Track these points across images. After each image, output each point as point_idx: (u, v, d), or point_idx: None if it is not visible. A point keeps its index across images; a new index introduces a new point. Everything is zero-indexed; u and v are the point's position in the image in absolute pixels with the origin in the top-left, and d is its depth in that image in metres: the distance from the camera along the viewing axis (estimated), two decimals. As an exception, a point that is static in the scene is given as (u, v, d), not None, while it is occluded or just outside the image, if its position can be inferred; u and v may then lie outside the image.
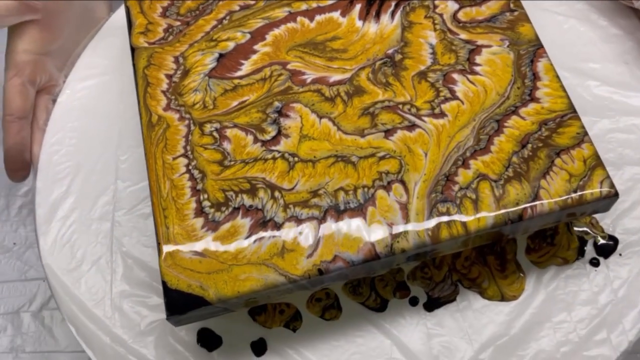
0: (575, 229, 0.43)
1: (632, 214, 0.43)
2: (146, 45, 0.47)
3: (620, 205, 0.43)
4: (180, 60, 0.46)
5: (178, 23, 0.47)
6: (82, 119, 0.52)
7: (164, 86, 0.45)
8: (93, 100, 0.52)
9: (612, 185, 0.37)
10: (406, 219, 0.38)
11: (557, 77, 0.41)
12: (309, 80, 0.44)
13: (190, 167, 0.42)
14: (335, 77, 0.44)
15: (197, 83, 0.45)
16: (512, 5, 0.44)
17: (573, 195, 0.37)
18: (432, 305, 0.42)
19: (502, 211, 0.37)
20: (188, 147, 0.42)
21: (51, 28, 0.52)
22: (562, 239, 0.43)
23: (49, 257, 0.47)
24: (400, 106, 0.42)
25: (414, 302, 0.42)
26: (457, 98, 0.42)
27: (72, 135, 0.51)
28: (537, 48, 0.42)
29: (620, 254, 0.42)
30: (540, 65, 0.42)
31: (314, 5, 0.46)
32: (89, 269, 0.46)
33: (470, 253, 0.43)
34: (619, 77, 0.47)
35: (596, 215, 0.43)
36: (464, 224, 0.37)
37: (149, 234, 0.46)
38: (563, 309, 0.41)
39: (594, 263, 0.42)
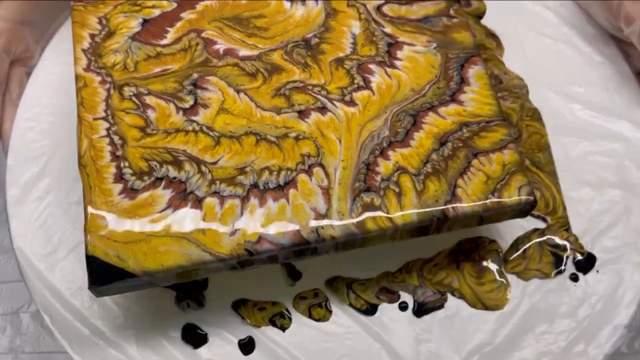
0: (558, 241, 0.44)
1: (609, 233, 0.45)
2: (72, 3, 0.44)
3: (599, 225, 0.45)
4: (104, 21, 0.44)
5: None
6: (60, 96, 0.48)
7: (86, 45, 0.43)
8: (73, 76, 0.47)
9: (531, 193, 0.39)
10: (328, 204, 0.38)
11: (490, 85, 0.42)
12: (221, 50, 0.43)
13: (110, 132, 0.40)
14: (245, 52, 0.43)
15: (119, 44, 0.43)
16: (452, 12, 0.45)
17: (492, 198, 0.39)
18: (420, 311, 0.42)
19: (427, 209, 0.38)
20: (108, 112, 0.40)
21: None
22: (533, 252, 0.44)
23: (21, 240, 0.44)
24: (311, 87, 0.42)
25: (403, 307, 0.42)
26: (369, 88, 0.42)
27: (49, 112, 0.47)
28: (471, 55, 0.43)
29: (597, 271, 0.44)
30: (472, 72, 0.42)
31: None
32: (66, 256, 0.43)
33: (442, 260, 0.44)
34: (601, 102, 0.49)
35: (576, 233, 0.44)
36: (389, 218, 0.38)
37: None
38: (545, 321, 0.42)
39: (574, 278, 0.44)
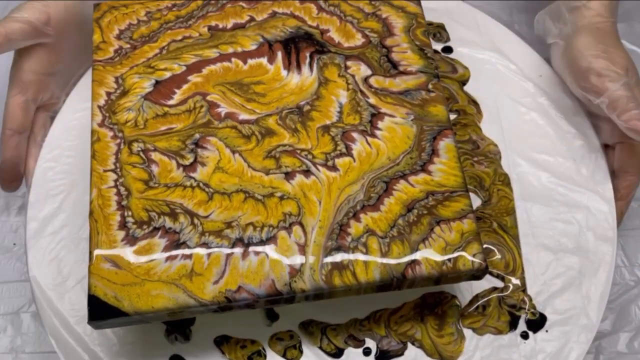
0: (511, 302, 0.48)
1: (561, 296, 0.48)
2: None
3: (553, 287, 0.48)
4: (120, 81, 0.49)
5: (128, 46, 0.50)
6: (79, 139, 0.53)
7: (102, 102, 0.48)
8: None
9: (483, 260, 0.43)
10: (303, 260, 0.43)
11: (458, 158, 0.46)
12: (223, 114, 0.48)
13: (117, 184, 0.45)
14: (244, 116, 0.48)
15: (132, 103, 0.48)
16: (430, 86, 0.49)
17: (447, 263, 0.43)
18: (383, 358, 0.47)
19: (388, 269, 0.42)
20: (118, 165, 0.46)
21: (59, 50, 0.54)
22: (493, 311, 0.48)
23: (36, 269, 0.49)
24: (299, 151, 0.47)
25: (367, 352, 0.47)
26: (350, 155, 0.46)
27: (69, 154, 0.53)
28: (443, 128, 0.47)
29: (546, 331, 0.47)
30: (442, 144, 0.46)
31: (239, 49, 0.50)
32: (74, 286, 0.49)
33: (407, 312, 0.48)
34: (567, 171, 0.52)
35: (531, 293, 0.48)
36: (354, 274, 0.42)
37: None
38: None
39: (524, 336, 0.47)
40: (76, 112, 0.55)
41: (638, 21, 0.63)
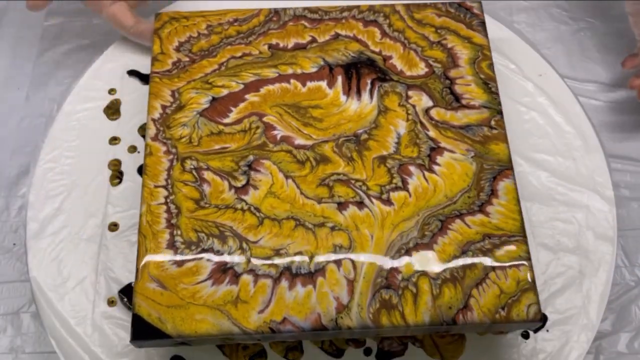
0: None
1: (562, 295, 0.47)
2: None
3: (553, 287, 0.48)
4: (176, 95, 0.49)
5: (187, 59, 0.49)
6: (80, 139, 0.53)
7: (156, 115, 0.48)
8: (92, 122, 0.53)
9: (538, 311, 0.41)
10: (351, 296, 0.41)
11: (518, 201, 0.44)
12: (278, 137, 0.46)
13: (168, 201, 0.44)
14: (300, 140, 0.47)
15: (188, 119, 0.47)
16: (493, 123, 0.47)
17: (501, 312, 0.41)
18: (382, 357, 0.46)
19: (438, 312, 0.41)
20: (169, 181, 0.45)
21: None
22: None
23: (36, 271, 0.49)
24: (353, 181, 0.45)
25: (367, 352, 0.46)
26: (406, 189, 0.45)
27: (69, 154, 0.52)
28: (504, 168, 0.45)
29: (547, 330, 0.47)
30: (502, 185, 0.45)
31: (299, 70, 0.49)
32: (74, 287, 0.48)
33: None
34: (566, 171, 0.52)
35: None
36: (403, 315, 0.41)
37: (133, 260, 0.48)
38: None
39: (525, 335, 0.47)
40: (77, 112, 0.54)
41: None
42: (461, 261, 0.42)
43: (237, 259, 0.42)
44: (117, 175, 0.51)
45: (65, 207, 0.50)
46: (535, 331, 0.46)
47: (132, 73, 0.55)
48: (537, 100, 0.54)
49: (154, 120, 0.47)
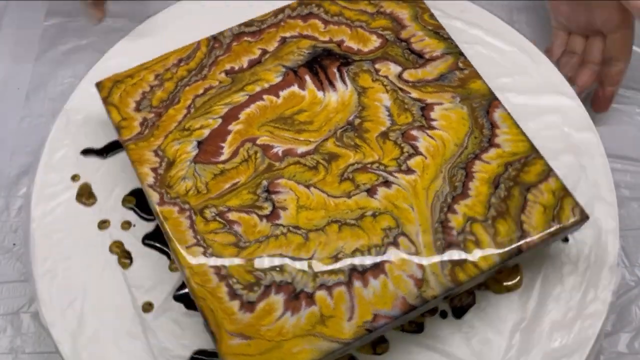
0: None
1: (575, 192, 0.47)
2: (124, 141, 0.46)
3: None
4: (160, 153, 0.46)
5: (152, 115, 0.47)
6: (67, 238, 0.49)
7: (151, 180, 0.45)
8: (71, 217, 0.49)
9: (582, 210, 0.44)
10: (422, 268, 0.42)
11: (516, 124, 0.47)
12: (280, 153, 0.46)
13: (207, 255, 0.43)
14: (301, 148, 0.46)
15: (184, 171, 0.45)
16: (461, 65, 0.49)
17: (553, 224, 0.43)
18: (459, 313, 0.46)
19: (503, 249, 0.42)
20: (198, 237, 0.43)
21: None
22: None
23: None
24: (369, 166, 0.46)
25: (444, 315, 0.46)
26: (420, 154, 0.46)
27: (62, 261, 0.48)
28: (491, 100, 0.48)
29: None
30: (497, 115, 0.47)
31: (266, 85, 0.48)
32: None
33: None
34: (527, 85, 0.54)
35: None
36: (475, 264, 0.42)
37: (185, 332, 0.45)
38: (556, 283, 0.47)
39: (565, 240, 0.48)
40: (49, 213, 0.50)
41: (638, 21, 0.64)
42: (498, 195, 0.44)
43: (302, 280, 0.42)
44: (125, 256, 0.48)
45: (87, 311, 0.46)
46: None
47: (87, 152, 0.51)
48: (471, 33, 0.56)
49: (151, 186, 0.44)
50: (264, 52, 0.49)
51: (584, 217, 0.44)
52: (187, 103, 0.47)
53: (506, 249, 0.42)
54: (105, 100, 0.48)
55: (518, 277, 0.48)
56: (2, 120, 0.62)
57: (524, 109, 0.52)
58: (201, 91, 0.48)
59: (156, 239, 0.48)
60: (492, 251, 0.42)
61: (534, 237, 0.43)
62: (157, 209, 0.44)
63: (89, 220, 0.49)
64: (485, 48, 0.56)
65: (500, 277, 0.47)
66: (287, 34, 0.50)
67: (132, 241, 0.48)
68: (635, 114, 0.62)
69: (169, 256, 0.48)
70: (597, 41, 0.59)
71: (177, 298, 0.46)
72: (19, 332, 0.52)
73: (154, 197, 0.44)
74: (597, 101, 0.60)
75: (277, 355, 0.40)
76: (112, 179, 0.50)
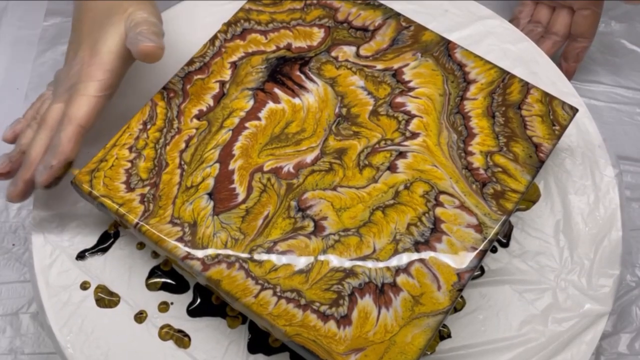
0: None
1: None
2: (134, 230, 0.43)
3: None
4: (177, 221, 0.43)
5: (148, 188, 0.44)
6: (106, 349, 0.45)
7: (182, 253, 0.42)
8: (98, 323, 0.45)
9: (571, 106, 0.47)
10: (472, 214, 0.43)
11: (478, 56, 0.48)
12: (292, 169, 0.45)
13: (280, 295, 0.41)
14: (309, 157, 0.45)
15: (210, 228, 0.43)
16: (404, 23, 0.50)
17: (557, 128, 0.46)
18: (505, 242, 0.48)
19: (528, 166, 0.44)
20: (260, 280, 0.41)
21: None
22: None
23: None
24: (377, 146, 0.46)
25: (494, 250, 0.48)
26: (415, 116, 0.47)
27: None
28: (447, 44, 0.49)
29: None
30: (459, 55, 0.48)
31: (242, 113, 0.46)
32: None
33: None
34: (455, 20, 0.55)
35: None
36: (513, 190, 0.43)
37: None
38: (567, 179, 0.50)
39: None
40: (69, 333, 0.45)
41: (638, 21, 0.65)
42: (498, 123, 0.46)
43: (379, 274, 0.41)
44: (181, 336, 0.44)
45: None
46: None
47: (82, 256, 0.46)
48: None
49: (186, 257, 0.42)
50: (222, 83, 0.47)
51: (574, 111, 0.47)
52: (177, 162, 0.45)
53: (530, 165, 0.45)
54: (91, 195, 0.44)
55: (536, 190, 0.50)
56: (1, 121, 0.59)
57: (462, 43, 0.54)
58: (183, 145, 0.45)
59: (204, 308, 0.46)
60: (520, 172, 0.44)
61: (547, 145, 0.45)
62: (205, 275, 0.41)
63: (124, 320, 0.45)
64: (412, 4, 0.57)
65: (522, 195, 0.50)
66: (234, 58, 0.48)
67: (179, 317, 0.45)
68: (635, 114, 0.62)
69: (223, 315, 0.45)
70: (563, 14, 0.60)
71: (252, 349, 0.45)
72: (18, 333, 0.52)
73: (195, 265, 0.41)
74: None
75: (396, 351, 0.39)
76: (123, 269, 0.46)
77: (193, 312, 0.45)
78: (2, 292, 0.53)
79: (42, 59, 0.64)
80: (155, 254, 0.47)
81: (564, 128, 0.46)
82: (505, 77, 0.48)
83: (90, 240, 0.48)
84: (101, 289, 0.46)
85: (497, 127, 0.46)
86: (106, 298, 0.46)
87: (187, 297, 0.46)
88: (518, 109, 0.46)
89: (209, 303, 0.46)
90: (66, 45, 0.58)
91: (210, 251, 0.42)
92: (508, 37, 0.55)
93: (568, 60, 0.61)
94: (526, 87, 0.47)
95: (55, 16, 0.67)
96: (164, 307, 0.45)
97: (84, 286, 0.46)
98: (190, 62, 0.48)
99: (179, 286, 0.46)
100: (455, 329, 0.45)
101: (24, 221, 0.56)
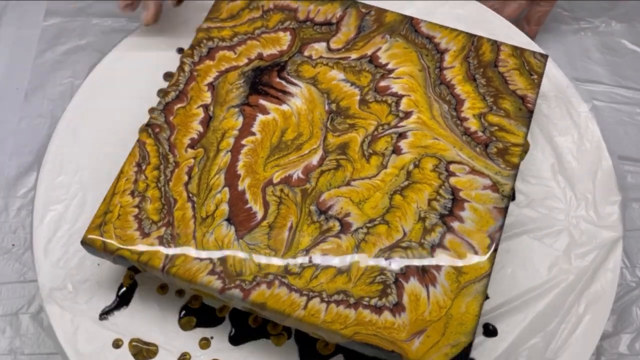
0: None
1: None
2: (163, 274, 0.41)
3: None
4: (204, 255, 0.42)
5: (163, 229, 0.42)
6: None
7: (218, 285, 0.41)
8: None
9: (542, 54, 0.48)
10: (487, 175, 0.43)
11: (443, 25, 0.49)
12: (300, 175, 0.44)
13: (327, 299, 0.40)
14: (314, 160, 0.45)
15: (240, 252, 0.41)
16: (364, 9, 0.50)
17: (535, 77, 0.47)
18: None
19: (520, 117, 0.45)
20: (304, 292, 0.40)
21: None
22: None
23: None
24: (376, 133, 0.46)
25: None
26: (402, 96, 0.47)
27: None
28: (410, 21, 0.49)
29: None
30: (425, 29, 0.49)
31: (235, 132, 0.45)
32: None
33: None
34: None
35: None
36: (514, 144, 0.44)
37: None
38: (547, 123, 0.52)
39: None
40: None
41: (638, 21, 0.64)
42: (481, 84, 0.47)
43: (416, 255, 0.41)
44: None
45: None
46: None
47: (106, 314, 0.44)
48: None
49: (224, 289, 0.40)
50: (205, 106, 0.46)
51: (545, 57, 0.48)
52: (184, 196, 0.43)
53: (522, 117, 0.46)
54: (107, 250, 0.41)
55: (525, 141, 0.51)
56: (1, 121, 0.61)
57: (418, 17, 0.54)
58: (186, 178, 0.43)
59: (245, 333, 0.45)
60: (515, 126, 0.45)
61: (532, 95, 0.46)
62: (249, 301, 0.40)
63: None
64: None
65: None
66: (210, 79, 0.47)
67: (223, 349, 0.44)
68: (635, 114, 0.61)
69: (266, 335, 0.44)
70: None
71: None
72: (18, 333, 0.51)
73: (235, 294, 0.40)
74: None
75: (455, 324, 0.39)
76: (152, 317, 0.45)
77: (235, 339, 0.44)
78: (2, 292, 0.53)
79: (42, 59, 0.63)
80: (179, 293, 0.45)
81: (541, 76, 0.47)
82: (473, 40, 0.49)
83: (108, 297, 0.45)
84: (136, 341, 0.44)
85: (481, 89, 0.47)
86: (144, 348, 0.44)
87: (225, 327, 0.45)
88: (495, 67, 0.48)
89: (248, 327, 0.45)
90: (66, 45, 0.64)
91: (245, 276, 0.41)
92: (456, 3, 0.56)
93: (530, 23, 0.61)
94: (496, 45, 0.48)
95: (55, 16, 0.66)
96: (205, 343, 0.44)
97: (117, 344, 0.44)
98: (165, 92, 0.47)
99: (214, 319, 0.45)
100: (490, 290, 0.46)
101: (24, 221, 0.55)
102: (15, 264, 0.54)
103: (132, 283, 0.46)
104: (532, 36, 0.61)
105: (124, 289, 0.45)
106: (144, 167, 0.44)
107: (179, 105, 0.46)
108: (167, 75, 0.53)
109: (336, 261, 0.41)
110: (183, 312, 0.45)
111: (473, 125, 0.45)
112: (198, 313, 0.45)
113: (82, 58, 0.62)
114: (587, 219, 0.48)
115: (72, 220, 0.48)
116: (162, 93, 0.48)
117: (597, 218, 0.48)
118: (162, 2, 0.54)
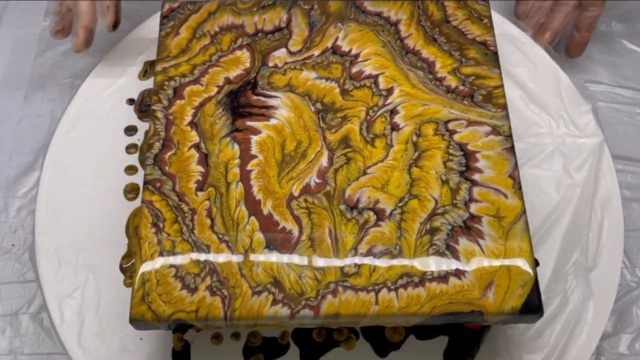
0: None
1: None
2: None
3: None
4: (259, 288, 0.40)
5: (209, 278, 0.40)
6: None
7: (286, 312, 0.39)
8: None
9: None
10: (484, 122, 0.45)
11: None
12: (317, 180, 0.44)
13: (393, 287, 0.40)
14: (323, 161, 0.44)
15: (292, 274, 0.40)
16: (306, 6, 0.50)
17: (485, 21, 0.49)
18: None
19: (490, 62, 0.47)
20: (369, 288, 0.40)
21: None
22: None
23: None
24: (370, 116, 0.46)
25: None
26: (377, 75, 0.47)
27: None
28: (354, 3, 0.50)
29: None
30: (370, 6, 0.50)
31: (237, 161, 0.44)
32: None
33: None
34: None
35: None
36: (495, 86, 0.46)
37: None
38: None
39: None
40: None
41: (638, 21, 0.64)
42: (443, 42, 0.48)
43: (455, 215, 0.42)
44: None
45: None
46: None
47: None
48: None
49: (292, 314, 0.39)
50: (196, 145, 0.44)
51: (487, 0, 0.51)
52: (215, 239, 0.41)
53: (490, 60, 0.47)
54: (160, 319, 0.39)
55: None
56: (1, 121, 0.61)
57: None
58: (209, 221, 0.42)
59: (315, 350, 0.44)
60: (488, 70, 0.47)
61: (491, 38, 0.48)
62: (321, 316, 0.39)
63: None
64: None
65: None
66: (188, 118, 0.45)
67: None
68: (636, 114, 0.61)
69: (336, 344, 0.44)
70: None
71: (382, 353, 0.44)
72: (18, 333, 0.51)
73: (306, 315, 0.39)
74: (571, 46, 0.60)
75: (515, 266, 0.41)
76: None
77: (308, 357, 0.44)
78: (2, 292, 0.53)
79: (42, 59, 0.63)
80: (235, 336, 0.44)
81: (490, 18, 0.50)
82: (418, 4, 0.50)
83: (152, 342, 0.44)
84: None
85: (444, 47, 0.48)
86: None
87: (293, 352, 0.44)
88: (447, 22, 0.49)
89: (315, 342, 0.44)
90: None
91: (308, 294, 0.40)
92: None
93: (580, 30, 0.59)
94: (440, 2, 0.50)
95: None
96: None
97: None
98: (149, 145, 0.44)
99: (279, 348, 0.44)
100: (515, 226, 0.48)
101: (24, 221, 0.55)
102: (15, 264, 0.54)
103: (185, 344, 0.44)
104: (585, 43, 0.60)
105: (179, 350, 0.44)
106: (161, 226, 0.42)
107: (169, 153, 0.44)
108: (129, 129, 0.51)
109: (386, 249, 0.41)
110: (246, 354, 0.44)
111: (452, 81, 0.47)
112: (262, 349, 0.44)
113: (82, 58, 0.61)
114: (570, 134, 0.51)
115: (94, 306, 0.45)
116: (142, 147, 0.46)
117: (577, 130, 0.51)
118: (93, 28, 0.53)
